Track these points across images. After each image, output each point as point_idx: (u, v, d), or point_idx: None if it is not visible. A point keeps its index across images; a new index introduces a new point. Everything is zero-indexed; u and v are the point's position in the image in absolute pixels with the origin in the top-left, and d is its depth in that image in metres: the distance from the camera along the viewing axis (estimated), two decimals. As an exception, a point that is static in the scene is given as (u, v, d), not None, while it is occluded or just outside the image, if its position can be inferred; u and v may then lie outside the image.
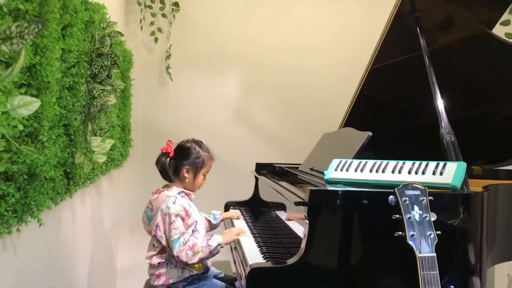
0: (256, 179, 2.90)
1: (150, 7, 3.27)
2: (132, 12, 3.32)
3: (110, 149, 2.32)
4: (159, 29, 3.29)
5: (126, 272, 3.25)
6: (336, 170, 1.89)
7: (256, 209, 2.83)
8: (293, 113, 3.46)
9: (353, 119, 2.66)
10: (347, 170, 1.86)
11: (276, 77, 3.47)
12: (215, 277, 2.23)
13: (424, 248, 1.22)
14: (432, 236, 1.23)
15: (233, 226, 2.33)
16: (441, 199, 1.58)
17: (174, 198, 2.14)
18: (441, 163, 1.66)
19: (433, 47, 2.51)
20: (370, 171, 1.79)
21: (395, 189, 1.30)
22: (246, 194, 2.96)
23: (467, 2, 2.15)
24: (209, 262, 2.28)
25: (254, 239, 2.11)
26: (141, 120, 3.33)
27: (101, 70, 1.66)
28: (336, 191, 1.53)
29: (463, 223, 1.60)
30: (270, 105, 3.48)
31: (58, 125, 1.37)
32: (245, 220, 2.56)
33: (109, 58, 1.69)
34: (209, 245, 2.05)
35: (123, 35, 1.92)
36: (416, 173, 1.68)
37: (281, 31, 3.48)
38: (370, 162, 1.83)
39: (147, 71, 3.37)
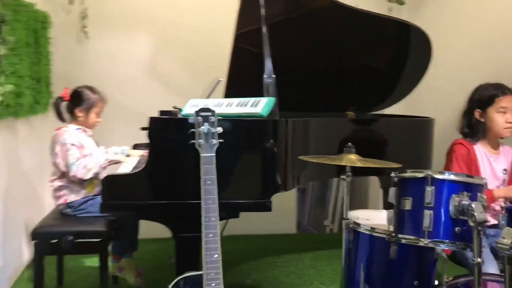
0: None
1: (65, -29, 3.63)
2: (49, -24, 3.68)
3: (18, 96, 2.75)
4: (74, -8, 3.67)
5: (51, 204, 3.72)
6: (191, 107, 2.39)
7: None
8: (198, 66, 3.91)
9: (234, 70, 3.14)
10: (198, 107, 2.36)
11: (183, 35, 3.91)
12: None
13: (207, 150, 1.74)
14: (214, 142, 1.76)
15: None
16: (253, 123, 2.11)
17: (70, 132, 2.64)
18: (258, 99, 2.18)
19: (305, 9, 3.00)
20: (214, 107, 2.30)
21: (195, 111, 1.81)
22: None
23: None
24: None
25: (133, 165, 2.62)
26: (62, 74, 3.74)
27: (-12, 27, 2.09)
28: (162, 119, 2.05)
29: (270, 140, 2.14)
30: (178, 60, 3.94)
31: None
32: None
33: (-4, 18, 2.12)
34: (98, 161, 2.58)
35: (16, 4, 2.34)
36: (240, 106, 2.20)
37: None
38: (215, 100, 2.34)
39: (65, 31, 3.76)
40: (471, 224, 1.43)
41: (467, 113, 2.24)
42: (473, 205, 1.43)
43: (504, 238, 1.40)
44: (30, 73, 3.06)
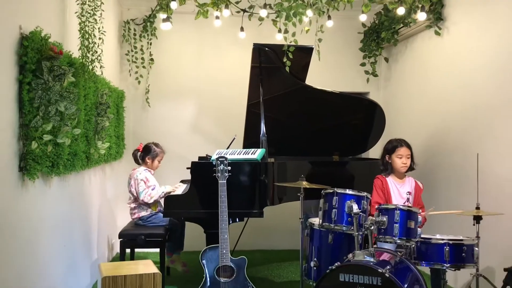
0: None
1: (135, 62, 5.31)
2: (124, 65, 5.37)
3: (109, 148, 4.33)
4: (141, 76, 5.34)
5: (122, 222, 5.24)
6: (216, 155, 3.87)
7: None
8: (228, 125, 5.43)
9: (248, 127, 4.60)
10: (220, 154, 3.84)
11: (218, 103, 5.48)
12: (164, 213, 4.22)
13: (222, 179, 3.20)
14: (226, 174, 3.21)
15: None
16: (252, 164, 3.56)
17: (140, 171, 4.17)
18: (255, 149, 3.65)
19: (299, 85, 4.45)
20: (230, 154, 3.77)
21: (215, 158, 3.27)
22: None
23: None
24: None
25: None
26: (131, 132, 5.36)
27: (101, 111, 3.68)
28: (199, 162, 3.54)
29: (263, 174, 3.57)
30: (212, 120, 5.50)
31: (83, 136, 3.39)
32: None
33: (105, 104, 3.72)
34: (157, 193, 4.06)
35: (110, 91, 3.94)
36: (245, 154, 3.67)
37: (221, 72, 5.49)
38: (230, 150, 3.82)
39: (134, 102, 5.41)
40: (352, 214, 2.80)
41: (382, 157, 3.58)
42: (353, 206, 2.81)
43: (368, 221, 2.77)
44: (114, 133, 4.66)
